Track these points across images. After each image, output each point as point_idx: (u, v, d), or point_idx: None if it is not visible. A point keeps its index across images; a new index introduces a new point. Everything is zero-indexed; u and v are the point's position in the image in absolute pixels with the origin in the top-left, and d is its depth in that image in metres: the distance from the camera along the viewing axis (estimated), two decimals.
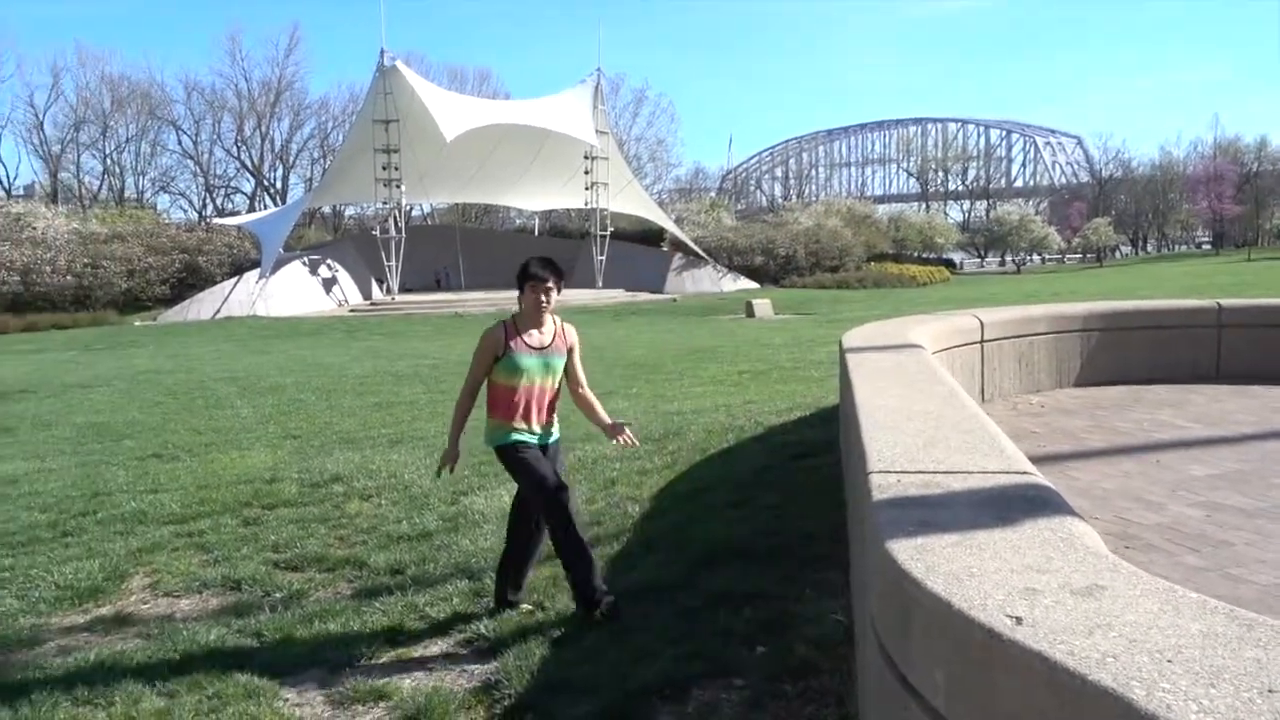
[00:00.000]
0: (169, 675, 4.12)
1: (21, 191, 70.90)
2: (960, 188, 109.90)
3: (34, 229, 41.46)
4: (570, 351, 4.67)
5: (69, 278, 37.69)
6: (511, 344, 4.47)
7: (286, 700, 3.92)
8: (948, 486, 2.52)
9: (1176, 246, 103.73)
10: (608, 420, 4.76)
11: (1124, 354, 8.17)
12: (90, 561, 5.82)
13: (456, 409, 4.62)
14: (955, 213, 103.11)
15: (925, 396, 3.96)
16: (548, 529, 4.55)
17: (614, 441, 4.75)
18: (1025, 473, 2.64)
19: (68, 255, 38.49)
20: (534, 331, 4.53)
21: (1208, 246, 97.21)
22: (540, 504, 4.49)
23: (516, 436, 4.49)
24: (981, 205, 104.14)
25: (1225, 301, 8.46)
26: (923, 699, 1.79)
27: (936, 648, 1.74)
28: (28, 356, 24.88)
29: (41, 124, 72.89)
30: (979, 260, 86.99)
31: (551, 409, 4.63)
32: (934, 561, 1.90)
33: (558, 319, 4.65)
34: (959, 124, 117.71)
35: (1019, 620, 1.57)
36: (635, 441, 4.82)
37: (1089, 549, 1.96)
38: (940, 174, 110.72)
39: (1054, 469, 5.13)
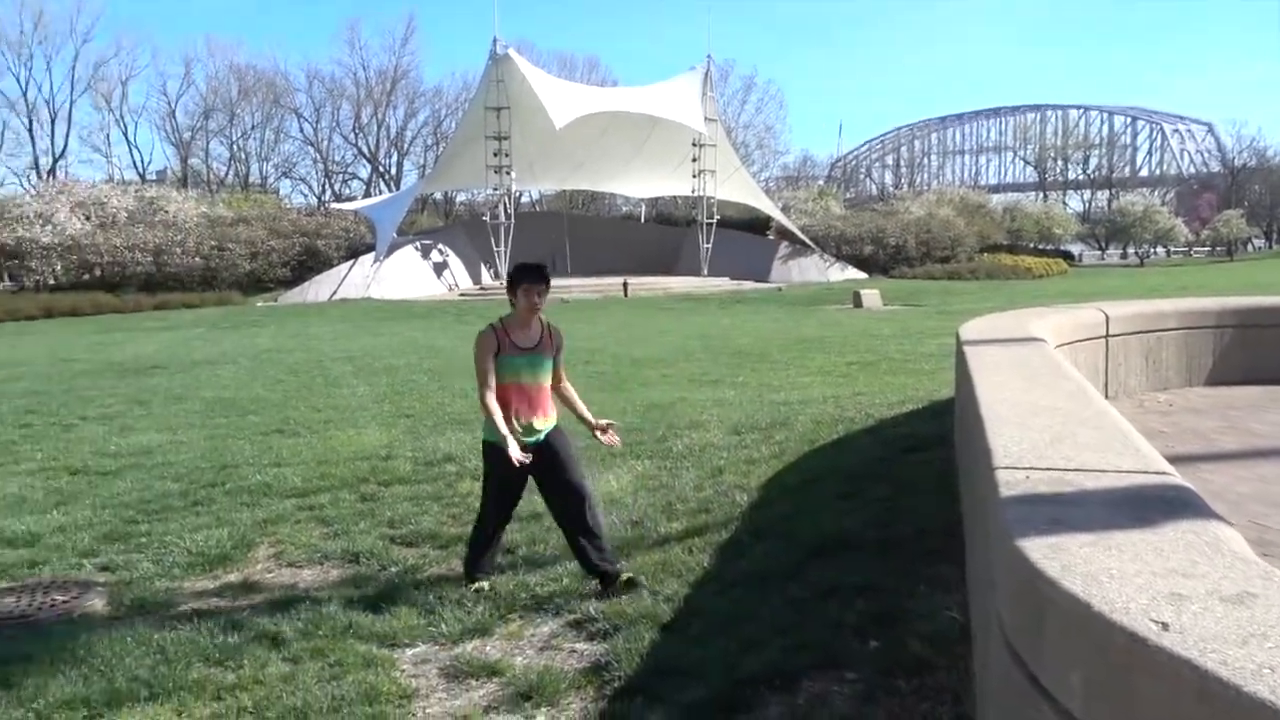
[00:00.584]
0: (293, 642, 4.30)
1: (154, 176, 74.45)
2: (1081, 177, 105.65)
3: (166, 212, 43.59)
4: (557, 351, 4.99)
5: (197, 259, 39.45)
6: (501, 346, 4.80)
7: (403, 671, 4.05)
8: (1079, 484, 2.44)
9: None
10: (592, 419, 5.08)
11: (1260, 352, 7.76)
12: (219, 530, 6.10)
13: (485, 409, 4.80)
14: (1075, 203, 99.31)
15: (1050, 392, 3.84)
16: (481, 517, 5.05)
17: (599, 439, 5.08)
18: (1163, 473, 2.54)
19: (196, 237, 40.29)
20: (521, 333, 4.85)
21: None
22: (488, 504, 5.00)
23: (528, 435, 4.83)
24: (1103, 195, 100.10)
25: None
26: (1056, 701, 1.74)
27: (1073, 650, 1.68)
28: (158, 334, 26.17)
29: (174, 112, 76.46)
30: (1099, 252, 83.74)
31: (544, 405, 4.92)
32: (1069, 561, 1.84)
33: (544, 319, 4.96)
34: (1080, 110, 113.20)
35: (1165, 626, 1.51)
36: (617, 442, 5.21)
37: (1237, 554, 1.87)
38: (1059, 162, 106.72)
39: (1184, 470, 4.89)
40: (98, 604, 5.00)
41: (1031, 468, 2.63)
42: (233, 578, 5.34)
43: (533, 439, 4.82)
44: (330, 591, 4.98)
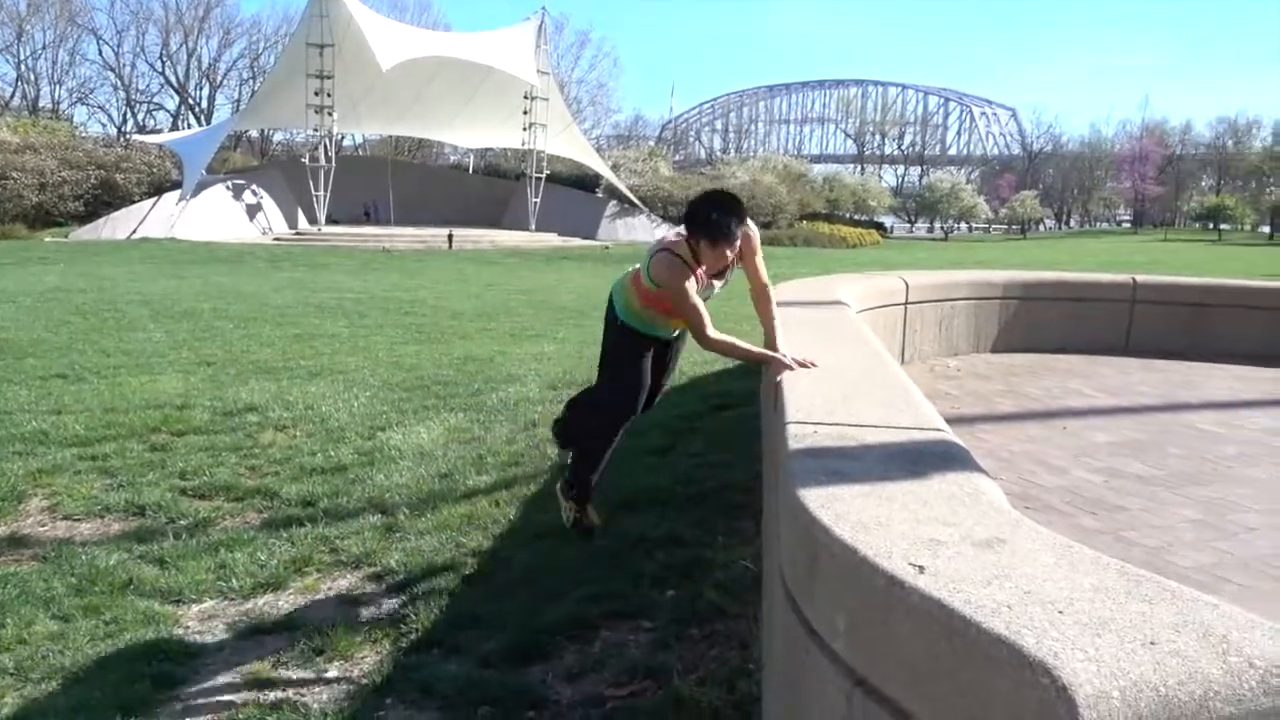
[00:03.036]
0: (64, 599, 4.02)
1: None
2: (896, 152, 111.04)
3: None
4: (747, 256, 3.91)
5: None
6: (698, 279, 3.86)
7: (187, 628, 3.86)
8: (861, 439, 2.55)
9: (1098, 223, 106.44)
10: (778, 343, 3.84)
11: (1041, 323, 8.36)
12: None
13: (733, 344, 3.91)
14: (890, 177, 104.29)
15: (848, 353, 4.00)
16: (592, 416, 4.19)
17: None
18: (937, 430, 2.68)
19: None
20: (709, 267, 3.88)
21: (1128, 225, 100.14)
22: (615, 399, 4.05)
23: (651, 332, 4.05)
24: (915, 171, 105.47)
25: (1140, 278, 8.70)
26: (823, 642, 1.82)
27: (840, 593, 1.76)
28: None
29: None
30: (909, 225, 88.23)
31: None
32: (843, 510, 1.92)
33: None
34: (899, 88, 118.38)
35: (921, 569, 1.60)
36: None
37: (992, 504, 2.00)
38: (878, 137, 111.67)
39: (964, 430, 5.24)
40: None
41: (820, 423, 2.72)
42: None
43: (666, 335, 4.12)
44: (110, 546, 4.67)
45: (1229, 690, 1.26)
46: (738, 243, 3.76)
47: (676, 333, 4.19)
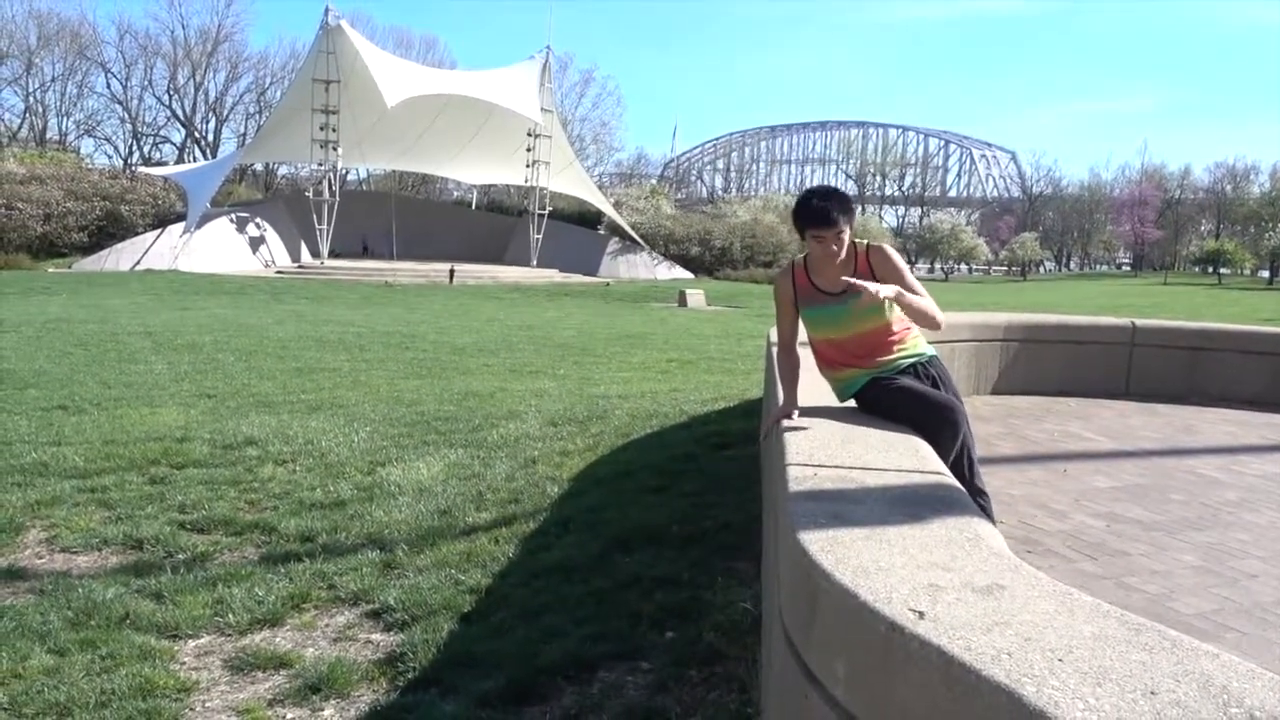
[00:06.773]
0: (60, 633, 4.00)
1: None
2: (896, 193, 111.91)
3: None
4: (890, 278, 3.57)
5: None
6: (800, 290, 3.67)
7: (183, 664, 3.83)
8: (862, 482, 2.56)
9: (1098, 266, 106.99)
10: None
11: (1040, 365, 8.38)
12: None
13: (779, 369, 3.73)
14: (890, 217, 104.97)
15: None
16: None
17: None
18: (937, 473, 2.69)
19: None
20: (825, 275, 3.62)
21: (1127, 268, 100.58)
22: (943, 426, 3.41)
23: (853, 385, 3.66)
24: (915, 212, 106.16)
25: (1140, 321, 8.73)
26: (823, 687, 1.81)
27: (840, 638, 1.76)
28: None
29: None
30: (909, 266, 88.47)
31: (883, 347, 3.64)
32: (844, 554, 1.92)
33: (860, 246, 3.66)
34: (900, 130, 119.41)
35: (921, 614, 1.60)
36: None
37: (992, 550, 2.01)
38: (878, 178, 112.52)
39: None
40: None
41: (821, 465, 2.73)
42: None
43: (853, 387, 3.67)
44: (107, 580, 4.65)
45: None
46: (839, 231, 3.49)
47: (879, 368, 3.62)
